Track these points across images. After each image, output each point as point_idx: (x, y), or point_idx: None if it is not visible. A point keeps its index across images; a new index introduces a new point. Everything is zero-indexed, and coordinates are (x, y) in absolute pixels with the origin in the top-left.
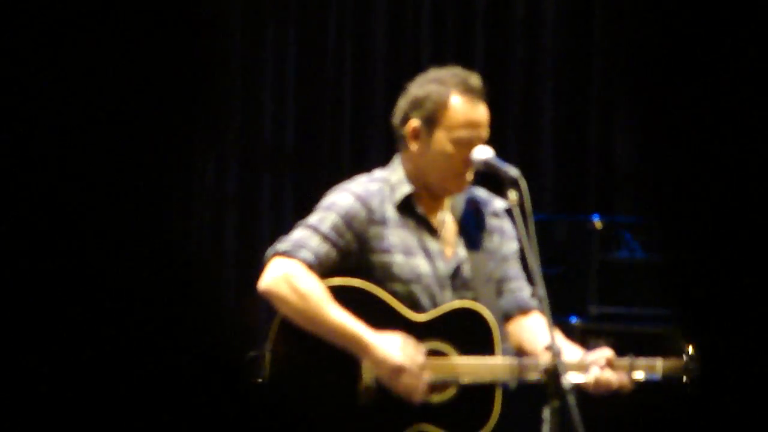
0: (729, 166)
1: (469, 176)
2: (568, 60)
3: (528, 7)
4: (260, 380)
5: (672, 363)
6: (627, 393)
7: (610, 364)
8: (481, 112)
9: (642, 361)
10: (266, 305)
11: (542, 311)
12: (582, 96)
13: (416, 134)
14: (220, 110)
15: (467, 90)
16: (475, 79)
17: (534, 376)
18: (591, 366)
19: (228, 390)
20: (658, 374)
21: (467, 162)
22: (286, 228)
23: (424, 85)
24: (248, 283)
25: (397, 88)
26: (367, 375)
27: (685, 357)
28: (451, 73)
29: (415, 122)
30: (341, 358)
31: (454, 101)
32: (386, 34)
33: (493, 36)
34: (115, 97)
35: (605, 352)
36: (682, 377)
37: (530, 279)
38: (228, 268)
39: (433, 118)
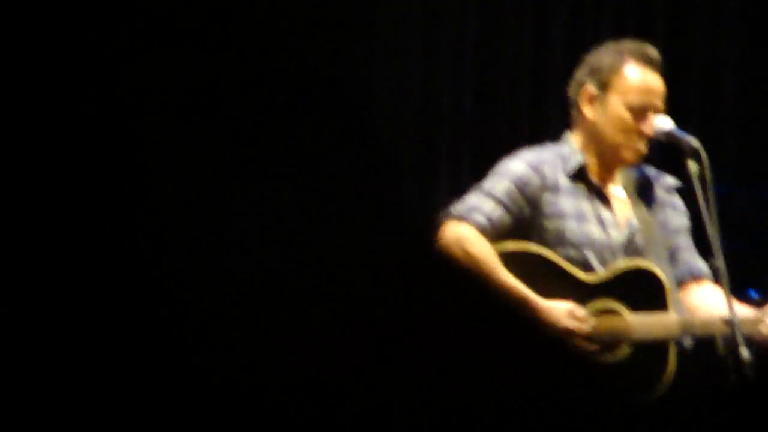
0: None
1: (643, 146)
2: (752, 26)
3: None
4: None
5: None
6: None
7: None
8: (655, 80)
9: None
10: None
11: (721, 284)
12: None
13: (591, 99)
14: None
15: (642, 58)
16: (651, 50)
17: (709, 331)
18: (765, 318)
19: None
20: None
21: (641, 130)
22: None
23: (600, 54)
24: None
25: (575, 59)
26: None
27: None
28: (628, 43)
29: (590, 87)
30: None
31: (629, 67)
32: (568, 4)
33: (674, 9)
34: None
35: None
36: None
37: (709, 251)
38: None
39: (607, 83)
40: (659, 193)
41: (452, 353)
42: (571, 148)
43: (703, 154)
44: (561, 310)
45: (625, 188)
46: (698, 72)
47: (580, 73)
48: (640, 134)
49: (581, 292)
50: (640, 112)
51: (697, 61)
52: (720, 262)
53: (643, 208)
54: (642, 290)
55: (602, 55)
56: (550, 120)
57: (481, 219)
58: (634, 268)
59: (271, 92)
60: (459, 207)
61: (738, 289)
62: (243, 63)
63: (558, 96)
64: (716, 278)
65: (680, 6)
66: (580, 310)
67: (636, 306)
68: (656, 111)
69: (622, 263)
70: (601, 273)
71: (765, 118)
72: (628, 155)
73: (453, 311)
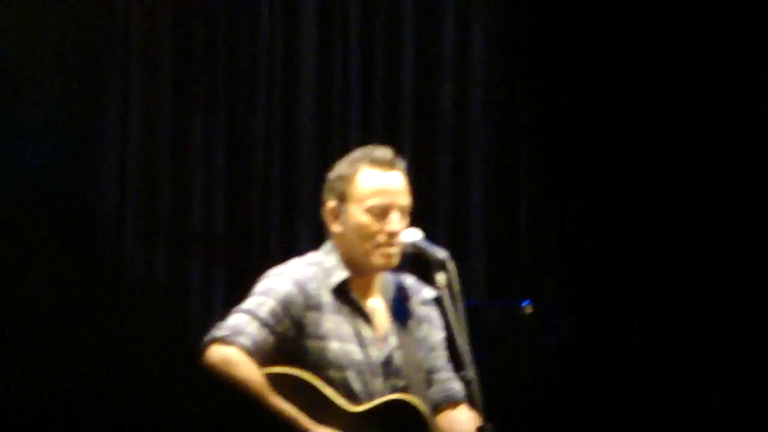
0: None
1: (393, 249)
2: (497, 143)
3: (455, 93)
4: None
5: None
6: None
7: None
8: (391, 178)
9: None
10: None
11: (472, 394)
12: (511, 180)
13: (335, 214)
14: (148, 195)
15: (374, 161)
16: (383, 151)
17: None
18: None
19: None
20: None
21: (385, 230)
22: (215, 314)
23: (335, 169)
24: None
25: (324, 177)
26: None
27: None
28: (359, 150)
29: (331, 203)
30: None
31: (361, 174)
32: (314, 117)
33: (422, 117)
34: None
35: None
36: None
37: (459, 362)
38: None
39: (344, 194)
40: (416, 307)
41: None
42: (333, 260)
43: (451, 265)
44: None
45: (385, 300)
46: (448, 185)
47: (324, 192)
48: (387, 235)
49: (343, 423)
50: (381, 214)
51: (447, 176)
52: (471, 372)
53: (402, 324)
54: (403, 424)
55: (337, 169)
56: (299, 237)
57: (246, 342)
58: (396, 399)
59: None
60: (222, 329)
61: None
62: None
63: (306, 211)
64: (467, 388)
65: (427, 119)
66: None
67: None
68: (400, 208)
69: (385, 397)
70: (364, 404)
71: (512, 231)
72: (378, 261)
73: None
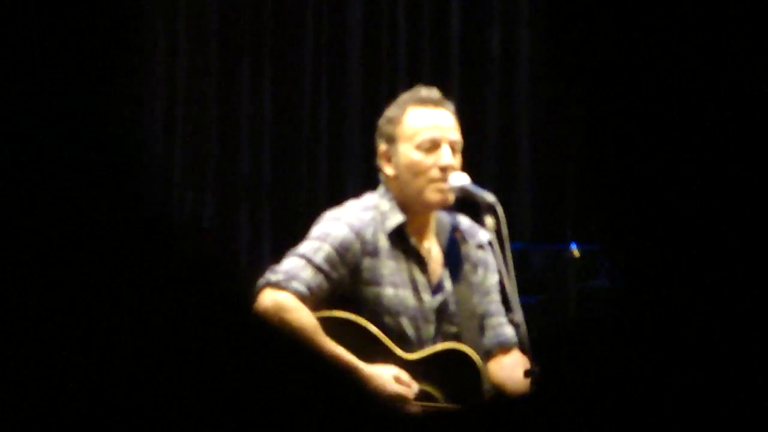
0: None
1: (449, 189)
2: (545, 87)
3: (503, 39)
4: None
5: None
6: None
7: None
8: (438, 115)
9: None
10: None
11: (520, 337)
12: (559, 122)
13: (386, 157)
14: (197, 143)
15: (421, 100)
16: (429, 91)
17: None
18: None
19: None
20: None
21: (438, 164)
22: (263, 259)
23: (384, 114)
24: None
25: (372, 121)
26: None
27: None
28: (407, 93)
29: (382, 146)
30: None
31: (408, 114)
32: (361, 66)
33: (469, 68)
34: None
35: None
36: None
37: (507, 305)
38: None
39: (393, 136)
40: (472, 250)
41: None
42: (390, 203)
43: (499, 209)
44: (387, 376)
45: (440, 243)
46: (496, 131)
47: (375, 138)
48: (440, 169)
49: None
50: (431, 148)
51: (494, 122)
52: (519, 315)
53: (457, 269)
54: (457, 374)
55: (385, 114)
56: (346, 183)
57: (301, 287)
58: (451, 349)
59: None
60: (277, 273)
61: None
62: None
63: (353, 157)
64: (515, 331)
65: (474, 66)
66: (404, 375)
67: (451, 391)
68: (450, 142)
69: (440, 344)
70: (418, 351)
71: (559, 179)
72: (433, 197)
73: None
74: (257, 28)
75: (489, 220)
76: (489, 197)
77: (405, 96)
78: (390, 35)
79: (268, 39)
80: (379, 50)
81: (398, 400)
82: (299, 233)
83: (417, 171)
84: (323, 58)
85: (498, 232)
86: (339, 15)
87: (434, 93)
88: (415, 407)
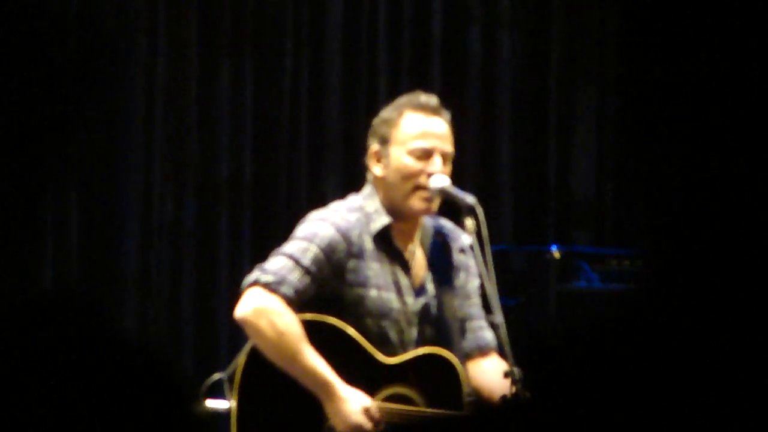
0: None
1: (433, 197)
2: (526, 89)
3: (484, 42)
4: (227, 406)
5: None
6: None
7: None
8: (434, 123)
9: None
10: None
11: (500, 338)
12: (541, 123)
13: (377, 157)
14: (177, 145)
15: (419, 106)
16: (428, 97)
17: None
18: None
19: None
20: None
21: (427, 171)
22: (244, 260)
23: (380, 114)
24: (205, 315)
25: (353, 123)
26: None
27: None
28: (404, 96)
29: (374, 146)
30: (307, 397)
31: (406, 117)
32: (341, 67)
33: (449, 66)
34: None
35: None
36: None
37: (487, 307)
38: (186, 301)
39: (387, 137)
40: (454, 254)
41: None
42: (375, 205)
43: (479, 210)
44: (357, 405)
45: (423, 246)
46: (477, 132)
47: (368, 137)
48: (428, 176)
49: (377, 375)
50: (423, 156)
51: (475, 123)
52: (499, 317)
53: (439, 272)
54: (437, 378)
55: (382, 114)
56: (326, 184)
57: (289, 291)
58: (431, 353)
59: None
60: (266, 274)
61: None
62: None
63: (333, 158)
64: (495, 332)
65: (455, 67)
66: (375, 409)
67: (430, 395)
68: (442, 153)
69: (420, 349)
70: (399, 355)
71: (539, 180)
72: (417, 205)
73: None
74: (237, 29)
75: (469, 222)
76: (469, 199)
77: (403, 99)
78: (370, 36)
79: (249, 40)
80: (359, 51)
81: (357, 430)
82: (279, 235)
83: (405, 175)
84: (303, 59)
85: (478, 233)
86: (319, 15)
87: (433, 100)
88: (396, 411)
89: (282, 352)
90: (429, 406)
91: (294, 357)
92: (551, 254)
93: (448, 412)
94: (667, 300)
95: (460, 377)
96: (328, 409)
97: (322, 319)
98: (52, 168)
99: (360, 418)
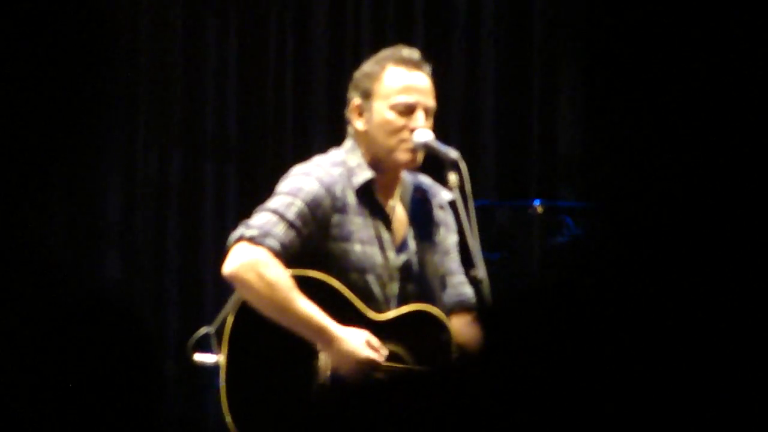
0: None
1: (417, 152)
2: (510, 45)
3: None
4: (215, 361)
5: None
6: None
7: None
8: (416, 78)
9: None
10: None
11: (482, 293)
12: (525, 80)
13: (359, 111)
14: (162, 101)
15: (401, 60)
16: (409, 51)
17: None
18: None
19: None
20: None
21: (410, 126)
22: (229, 217)
23: (361, 68)
24: (191, 271)
25: (338, 78)
26: (323, 370)
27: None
28: (387, 50)
29: (356, 100)
30: (298, 350)
31: (388, 71)
32: (327, 24)
33: (433, 23)
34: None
35: None
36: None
37: (470, 261)
38: (171, 257)
39: (369, 91)
40: (434, 210)
41: None
42: (358, 160)
43: (463, 165)
44: (359, 339)
45: (403, 202)
46: (461, 88)
47: (349, 90)
48: (411, 131)
49: (367, 330)
50: (405, 111)
51: (460, 79)
52: (481, 271)
53: (420, 228)
54: (426, 336)
55: (363, 68)
56: (312, 139)
57: (275, 243)
58: (420, 310)
59: None
60: (250, 229)
61: None
62: None
63: (319, 113)
64: (476, 288)
65: (439, 25)
66: (374, 339)
67: (420, 353)
68: (425, 108)
69: (409, 305)
70: (384, 311)
71: (523, 135)
72: (402, 157)
73: None
74: None
75: (452, 177)
76: (452, 153)
77: (386, 52)
78: None
79: None
80: (344, 9)
81: (368, 364)
82: (265, 191)
83: (389, 130)
84: (289, 14)
85: (461, 188)
86: None
87: (415, 54)
88: (384, 369)
89: (273, 302)
90: (418, 364)
91: (286, 306)
92: (534, 209)
93: (436, 367)
94: (621, 252)
95: (450, 334)
96: (330, 353)
97: (309, 274)
98: (33, 124)
99: (367, 352)
